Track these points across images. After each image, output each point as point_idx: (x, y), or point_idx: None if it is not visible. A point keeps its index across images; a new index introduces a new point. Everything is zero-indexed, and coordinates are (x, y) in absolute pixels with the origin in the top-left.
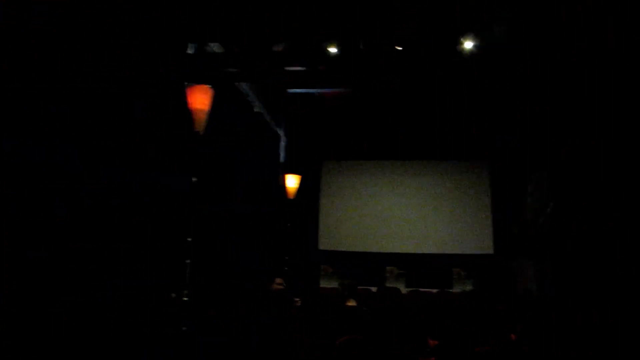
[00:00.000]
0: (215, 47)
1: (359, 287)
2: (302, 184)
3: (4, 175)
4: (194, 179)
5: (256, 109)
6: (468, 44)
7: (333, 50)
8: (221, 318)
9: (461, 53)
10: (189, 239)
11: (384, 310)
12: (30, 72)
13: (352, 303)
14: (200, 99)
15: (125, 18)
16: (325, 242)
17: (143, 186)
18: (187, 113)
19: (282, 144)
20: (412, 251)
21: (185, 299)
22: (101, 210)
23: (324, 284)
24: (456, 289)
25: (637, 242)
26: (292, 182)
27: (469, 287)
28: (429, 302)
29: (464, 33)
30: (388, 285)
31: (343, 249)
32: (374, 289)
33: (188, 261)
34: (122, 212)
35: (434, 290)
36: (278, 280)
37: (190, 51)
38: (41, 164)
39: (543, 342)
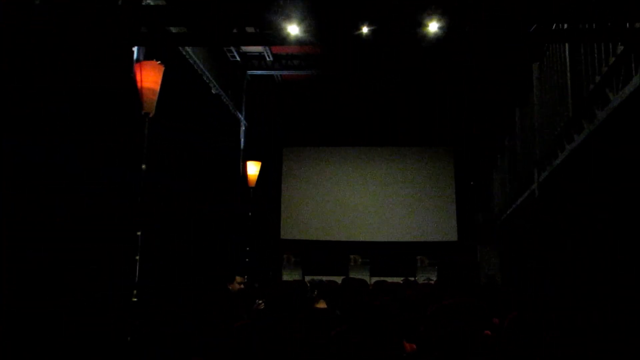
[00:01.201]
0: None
1: (323, 279)
2: (263, 171)
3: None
4: (143, 167)
5: (214, 91)
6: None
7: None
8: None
9: (426, 37)
10: (138, 233)
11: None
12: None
13: (322, 305)
14: (149, 77)
15: None
16: (288, 231)
17: (84, 177)
18: (134, 92)
19: (242, 129)
20: (376, 239)
21: (134, 299)
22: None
23: (287, 274)
24: (420, 277)
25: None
26: (252, 169)
27: (433, 276)
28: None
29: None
30: (352, 274)
31: (306, 238)
32: (338, 279)
33: (137, 257)
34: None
35: (400, 280)
36: (238, 279)
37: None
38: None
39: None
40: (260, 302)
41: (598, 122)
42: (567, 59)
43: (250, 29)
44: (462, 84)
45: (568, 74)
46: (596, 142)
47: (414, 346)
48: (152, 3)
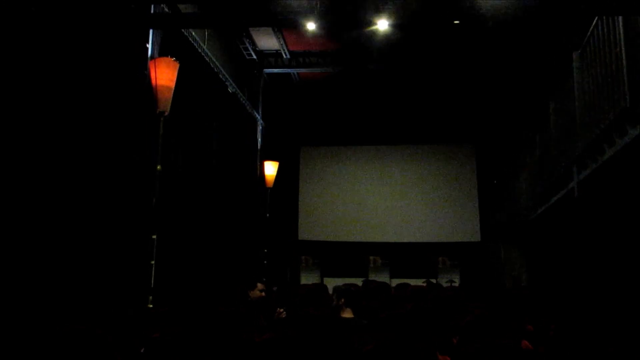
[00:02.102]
0: None
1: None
2: (280, 171)
3: None
4: (159, 168)
5: (230, 90)
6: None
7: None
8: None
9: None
10: (154, 237)
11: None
12: None
13: (348, 314)
14: (164, 74)
15: None
16: (306, 232)
17: (99, 176)
18: (149, 90)
19: (259, 128)
20: (396, 240)
21: (150, 305)
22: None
23: (305, 276)
24: (442, 279)
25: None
26: (270, 169)
27: (455, 277)
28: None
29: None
30: (372, 276)
31: (324, 239)
32: (358, 281)
33: (153, 262)
34: (73, 205)
35: (422, 282)
36: (260, 285)
37: None
38: None
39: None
40: (281, 310)
41: None
42: (622, 42)
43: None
44: (487, 77)
45: (623, 59)
46: None
47: (448, 358)
48: None
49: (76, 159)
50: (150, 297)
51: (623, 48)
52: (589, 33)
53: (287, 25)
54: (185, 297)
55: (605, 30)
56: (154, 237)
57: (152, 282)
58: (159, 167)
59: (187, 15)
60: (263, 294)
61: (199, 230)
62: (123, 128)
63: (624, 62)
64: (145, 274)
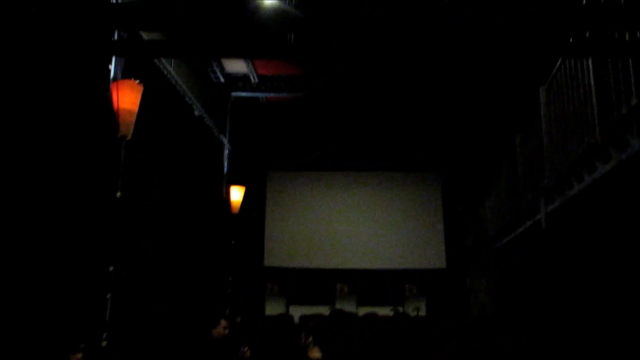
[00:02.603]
0: None
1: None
2: (247, 196)
3: None
4: (118, 195)
5: (196, 113)
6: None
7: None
8: None
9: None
10: (110, 268)
11: None
12: None
13: (316, 354)
14: (127, 97)
15: None
16: (272, 259)
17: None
18: (110, 113)
19: (226, 152)
20: (363, 267)
21: (104, 343)
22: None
23: (271, 304)
24: (409, 307)
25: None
26: (236, 194)
27: (422, 305)
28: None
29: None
30: (339, 304)
31: (291, 266)
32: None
33: (109, 295)
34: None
35: (389, 311)
36: (223, 323)
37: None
38: None
39: None
40: (246, 349)
41: (632, 151)
42: (592, 79)
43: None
44: (454, 106)
45: (593, 97)
46: (627, 173)
47: None
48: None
49: (30, 184)
50: (105, 334)
51: (593, 85)
52: (555, 69)
53: (258, 56)
54: (144, 334)
55: (572, 66)
56: (111, 268)
57: (108, 316)
58: (118, 193)
59: (153, 43)
60: (227, 331)
61: (161, 259)
62: (81, 152)
63: (594, 99)
64: (101, 307)
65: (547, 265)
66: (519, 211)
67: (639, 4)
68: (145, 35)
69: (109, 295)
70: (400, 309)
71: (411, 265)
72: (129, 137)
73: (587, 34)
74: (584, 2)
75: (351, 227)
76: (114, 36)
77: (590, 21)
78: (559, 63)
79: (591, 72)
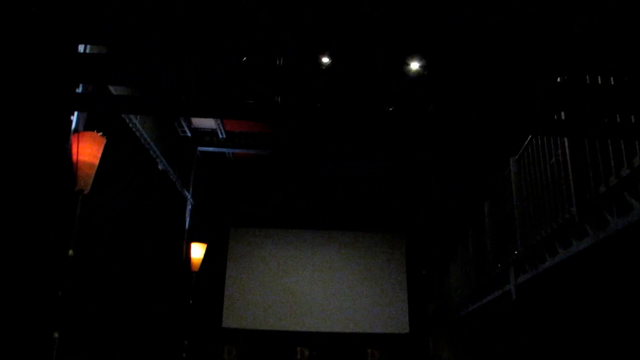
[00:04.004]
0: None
1: None
2: (208, 253)
3: None
4: (70, 253)
5: (160, 167)
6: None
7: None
8: None
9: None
10: (56, 335)
11: None
12: None
13: None
14: (88, 149)
15: None
16: (230, 319)
17: None
18: (67, 165)
19: (189, 207)
20: (325, 329)
21: None
22: None
23: None
24: None
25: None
26: (197, 251)
27: None
28: None
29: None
30: None
31: (250, 327)
32: None
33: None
34: None
35: None
36: None
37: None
38: None
39: None
40: None
41: (611, 230)
42: (568, 154)
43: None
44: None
45: (570, 171)
46: (603, 252)
47: None
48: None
49: None
50: None
51: (569, 161)
52: (527, 141)
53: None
54: None
55: (544, 139)
56: (56, 335)
57: None
58: (70, 251)
59: (119, 99)
60: None
61: (115, 323)
62: (32, 206)
63: (570, 174)
64: None
65: (516, 336)
66: (487, 280)
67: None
68: (112, 90)
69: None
70: None
71: (373, 329)
72: (86, 192)
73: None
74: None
75: (314, 288)
76: (77, 88)
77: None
78: (530, 137)
79: (567, 148)
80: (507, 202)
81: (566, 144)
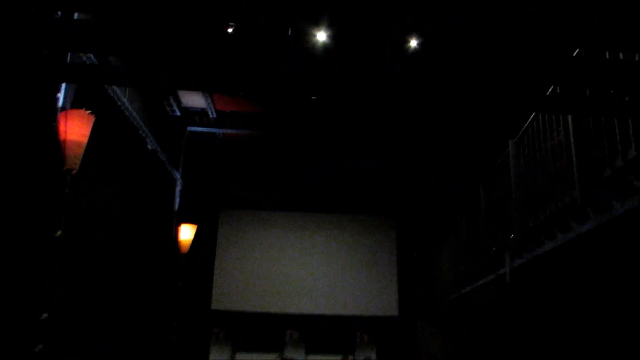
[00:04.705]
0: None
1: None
2: (197, 234)
3: None
4: (59, 233)
5: (150, 146)
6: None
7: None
8: None
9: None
10: (44, 316)
11: None
12: None
13: None
14: (76, 128)
15: None
16: (219, 302)
17: None
18: (55, 145)
19: (178, 188)
20: (314, 312)
21: None
22: None
23: (216, 351)
24: (359, 356)
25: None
26: (187, 233)
27: (372, 353)
28: None
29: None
30: (287, 352)
31: (239, 309)
32: (273, 358)
33: (39, 348)
34: None
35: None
36: None
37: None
38: None
39: None
40: None
41: (614, 214)
42: (572, 135)
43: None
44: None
45: (573, 154)
46: (606, 237)
47: None
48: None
49: None
50: None
51: (572, 142)
52: (527, 123)
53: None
54: None
55: (546, 120)
56: (45, 316)
57: None
58: (59, 232)
59: (112, 70)
60: None
61: (104, 304)
62: (18, 187)
63: (574, 157)
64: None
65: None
66: (480, 263)
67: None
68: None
69: (38, 348)
70: (351, 358)
71: (363, 312)
72: (75, 171)
73: (564, 88)
74: (575, 53)
75: (303, 271)
76: (65, 59)
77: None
78: (531, 117)
79: (570, 128)
80: (504, 186)
81: (570, 124)
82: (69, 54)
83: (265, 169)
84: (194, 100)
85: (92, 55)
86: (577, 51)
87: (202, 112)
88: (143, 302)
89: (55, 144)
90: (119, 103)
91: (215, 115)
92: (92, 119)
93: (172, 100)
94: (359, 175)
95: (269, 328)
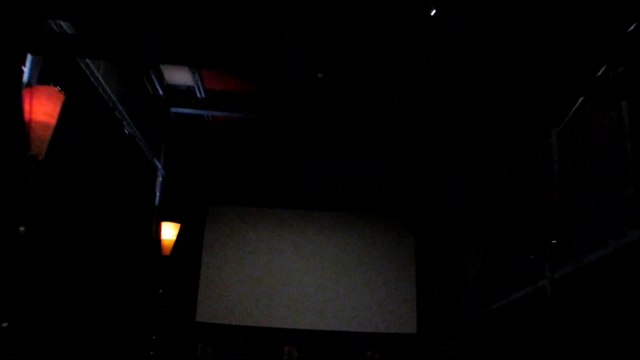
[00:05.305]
0: None
1: None
2: (181, 234)
3: None
4: (22, 229)
5: (127, 130)
6: None
7: None
8: None
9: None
10: (4, 325)
11: None
12: None
13: None
14: (43, 107)
15: None
16: (206, 313)
17: None
18: (19, 126)
19: (159, 180)
20: (316, 327)
21: None
22: None
23: None
24: None
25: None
26: (169, 232)
27: None
28: None
29: None
30: None
31: (228, 322)
32: None
33: None
34: None
35: None
36: None
37: None
38: None
39: None
40: None
41: None
42: (627, 121)
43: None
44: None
45: (628, 143)
46: None
47: None
48: None
49: None
50: None
51: (627, 132)
52: (573, 110)
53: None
54: None
55: (597, 109)
56: (5, 325)
57: None
58: (22, 227)
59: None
60: None
61: (70, 309)
62: None
63: (629, 149)
64: None
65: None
66: (513, 274)
67: None
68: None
69: None
70: None
71: (374, 328)
72: (41, 157)
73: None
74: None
75: (305, 279)
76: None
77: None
78: (578, 103)
79: (625, 116)
80: (541, 183)
81: (625, 110)
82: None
83: (260, 156)
84: (179, 76)
85: (62, 23)
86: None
87: (189, 90)
88: (115, 311)
89: (19, 125)
90: (92, 79)
91: (203, 95)
92: (62, 96)
93: (153, 76)
94: (359, 175)
95: (264, 345)
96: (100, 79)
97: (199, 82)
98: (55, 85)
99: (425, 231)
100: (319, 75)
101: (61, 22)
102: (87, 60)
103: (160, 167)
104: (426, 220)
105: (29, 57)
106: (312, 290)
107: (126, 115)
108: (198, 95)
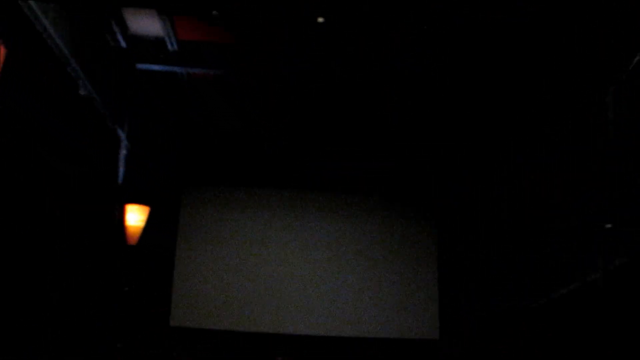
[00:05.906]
0: None
1: None
2: (151, 220)
3: None
4: None
5: (82, 91)
6: None
7: None
8: None
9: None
10: None
11: None
12: None
13: None
14: None
15: None
16: (181, 316)
17: None
18: None
19: (123, 153)
20: (315, 333)
21: None
22: None
23: None
24: None
25: None
26: (135, 217)
27: None
28: None
29: None
30: None
31: (208, 327)
32: None
33: None
34: None
35: None
36: None
37: None
38: None
39: None
40: None
41: None
42: None
43: None
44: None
45: None
46: None
47: None
48: None
49: None
50: None
51: None
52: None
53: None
54: None
55: None
56: None
57: None
58: None
59: None
60: None
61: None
62: None
63: None
64: None
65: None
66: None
67: None
68: None
69: None
70: None
71: (387, 333)
72: None
73: None
74: None
75: (301, 274)
76: None
77: None
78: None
79: None
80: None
81: None
82: None
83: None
84: (146, 25)
85: None
86: None
87: (158, 42)
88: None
89: None
90: (39, 28)
91: (176, 47)
92: (3, 50)
93: (114, 25)
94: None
95: (252, 354)
96: (48, 27)
97: (171, 32)
98: None
99: (451, 222)
100: (320, 19)
101: None
102: (32, 3)
103: (124, 137)
104: (453, 209)
105: None
106: (310, 289)
107: (81, 73)
108: (169, 47)
